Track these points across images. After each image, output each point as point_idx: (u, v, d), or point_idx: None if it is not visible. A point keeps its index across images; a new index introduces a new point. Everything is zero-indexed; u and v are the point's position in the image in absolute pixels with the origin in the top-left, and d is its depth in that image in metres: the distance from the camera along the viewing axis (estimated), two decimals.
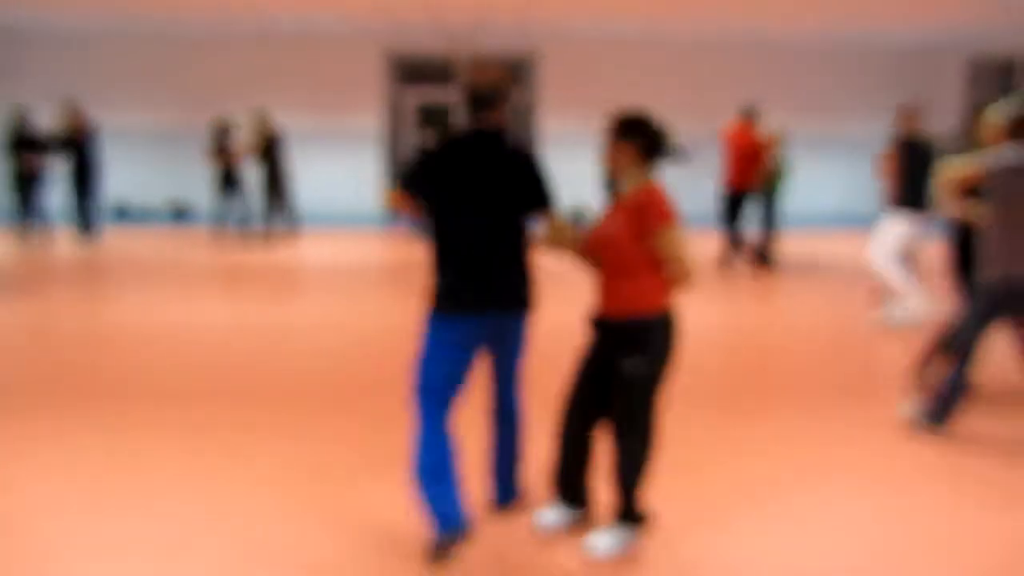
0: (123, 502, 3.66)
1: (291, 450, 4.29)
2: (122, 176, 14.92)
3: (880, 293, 7.58)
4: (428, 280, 3.24)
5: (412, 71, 16.33)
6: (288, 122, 13.92)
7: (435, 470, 3.12)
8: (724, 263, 9.97)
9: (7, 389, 5.30)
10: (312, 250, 11.57)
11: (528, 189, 3.24)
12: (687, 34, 14.69)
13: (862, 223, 12.53)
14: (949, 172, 4.52)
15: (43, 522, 3.48)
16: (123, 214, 15.08)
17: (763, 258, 9.92)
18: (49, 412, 4.82)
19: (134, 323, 7.16)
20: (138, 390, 5.26)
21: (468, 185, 3.14)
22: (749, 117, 9.78)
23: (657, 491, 3.62)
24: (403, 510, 3.55)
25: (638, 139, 3.18)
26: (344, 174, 15.45)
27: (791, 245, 11.59)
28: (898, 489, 3.86)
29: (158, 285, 8.86)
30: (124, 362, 5.94)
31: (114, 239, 12.24)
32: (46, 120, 12.66)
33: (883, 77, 15.54)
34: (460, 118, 2.87)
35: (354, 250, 11.69)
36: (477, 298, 3.15)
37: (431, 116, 15.22)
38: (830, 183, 15.71)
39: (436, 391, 3.16)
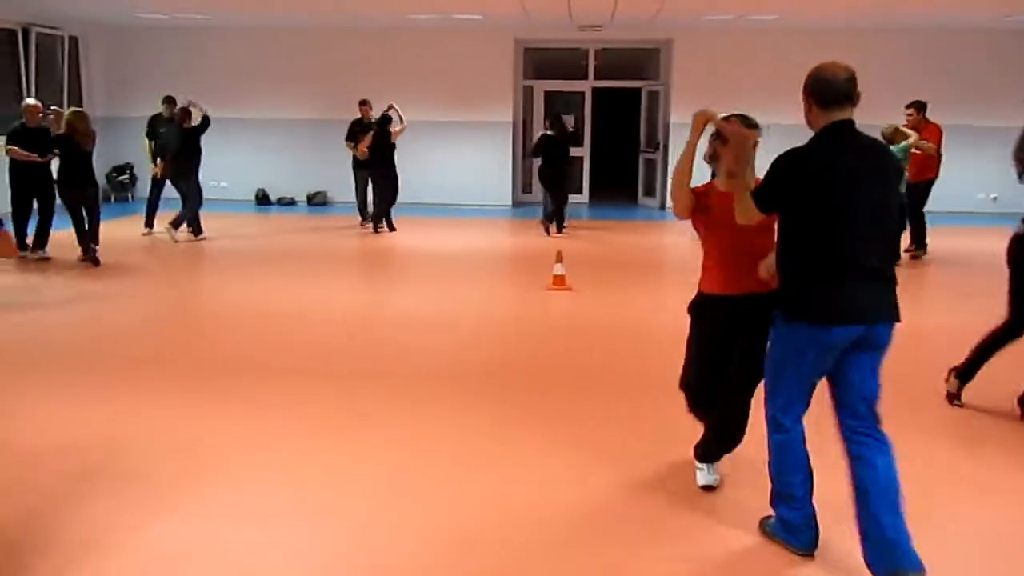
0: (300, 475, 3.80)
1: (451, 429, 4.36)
2: (264, 166, 15.60)
3: None
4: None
5: (542, 62, 16.33)
6: (424, 113, 14.19)
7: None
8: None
9: (201, 366, 5.62)
10: (446, 238, 11.74)
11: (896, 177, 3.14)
12: (821, 20, 14.04)
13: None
14: None
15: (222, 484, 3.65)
16: (264, 201, 15.73)
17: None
18: (233, 392, 5.10)
19: (303, 305, 7.48)
20: (315, 369, 5.49)
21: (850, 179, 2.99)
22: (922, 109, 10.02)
23: None
24: (570, 492, 3.56)
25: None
26: (477, 164, 15.60)
27: (941, 239, 10.97)
28: None
29: (312, 271, 9.20)
30: (303, 342, 6.21)
31: (271, 225, 12.77)
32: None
33: None
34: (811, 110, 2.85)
35: (487, 238, 11.80)
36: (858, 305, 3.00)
37: (559, 107, 15.19)
38: (985, 176, 14.68)
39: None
